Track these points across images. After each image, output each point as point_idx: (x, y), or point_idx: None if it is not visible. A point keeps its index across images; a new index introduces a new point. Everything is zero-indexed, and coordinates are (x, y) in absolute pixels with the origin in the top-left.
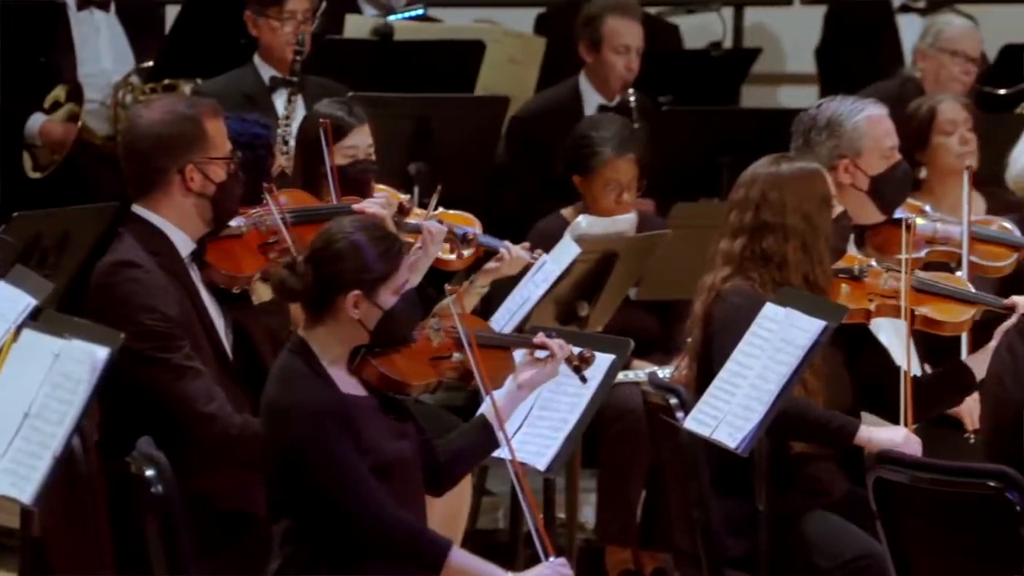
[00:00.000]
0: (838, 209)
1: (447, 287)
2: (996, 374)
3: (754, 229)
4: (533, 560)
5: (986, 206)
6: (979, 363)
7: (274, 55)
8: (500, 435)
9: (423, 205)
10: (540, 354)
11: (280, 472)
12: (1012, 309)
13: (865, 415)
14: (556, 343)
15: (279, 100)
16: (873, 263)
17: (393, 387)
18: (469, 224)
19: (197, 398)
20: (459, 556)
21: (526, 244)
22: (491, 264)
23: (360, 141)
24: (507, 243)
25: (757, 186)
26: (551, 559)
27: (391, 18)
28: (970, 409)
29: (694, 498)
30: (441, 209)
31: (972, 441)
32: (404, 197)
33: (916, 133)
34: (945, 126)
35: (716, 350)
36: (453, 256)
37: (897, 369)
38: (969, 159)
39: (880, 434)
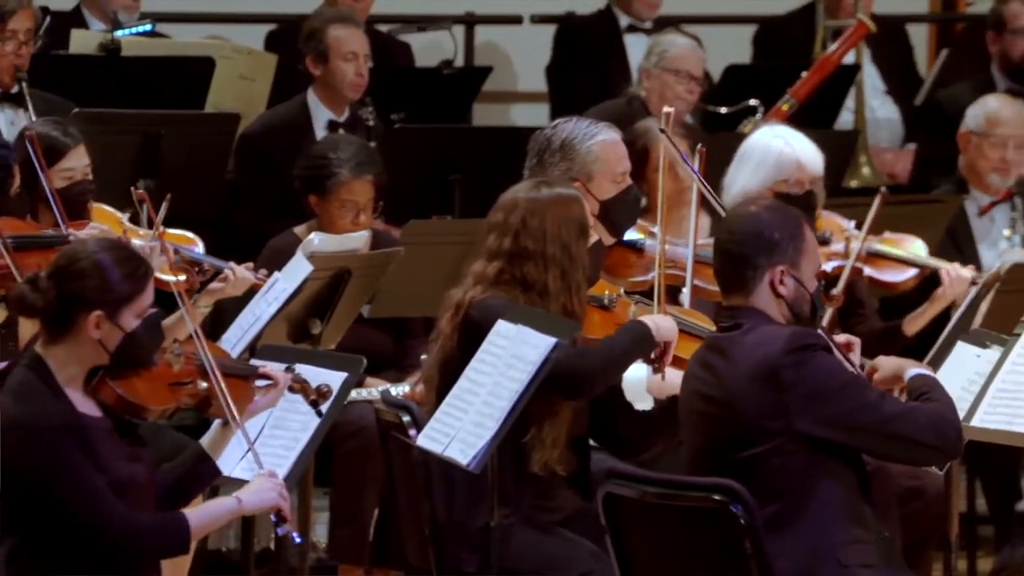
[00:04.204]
0: (595, 237)
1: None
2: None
3: (513, 255)
4: None
5: (711, 227)
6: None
7: None
8: (255, 462)
9: (150, 223)
10: (262, 383)
11: (11, 489)
12: None
13: None
14: (282, 375)
15: (1, 117)
16: (622, 292)
17: (130, 410)
18: (191, 243)
19: None
20: (194, 517)
21: (250, 264)
22: (215, 284)
23: (76, 162)
24: (231, 263)
25: (518, 212)
26: (261, 469)
27: (119, 33)
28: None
29: (427, 515)
30: (164, 228)
31: None
32: (125, 221)
33: (634, 167)
34: (657, 163)
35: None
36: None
37: (627, 404)
38: (687, 192)
39: (662, 322)
